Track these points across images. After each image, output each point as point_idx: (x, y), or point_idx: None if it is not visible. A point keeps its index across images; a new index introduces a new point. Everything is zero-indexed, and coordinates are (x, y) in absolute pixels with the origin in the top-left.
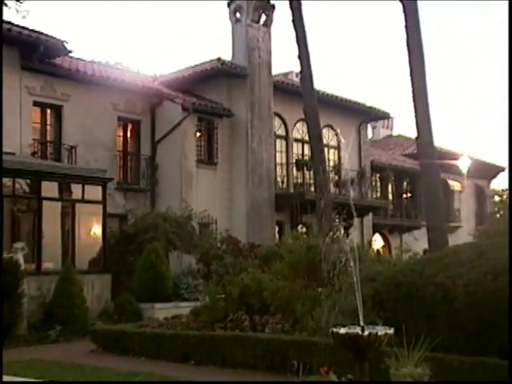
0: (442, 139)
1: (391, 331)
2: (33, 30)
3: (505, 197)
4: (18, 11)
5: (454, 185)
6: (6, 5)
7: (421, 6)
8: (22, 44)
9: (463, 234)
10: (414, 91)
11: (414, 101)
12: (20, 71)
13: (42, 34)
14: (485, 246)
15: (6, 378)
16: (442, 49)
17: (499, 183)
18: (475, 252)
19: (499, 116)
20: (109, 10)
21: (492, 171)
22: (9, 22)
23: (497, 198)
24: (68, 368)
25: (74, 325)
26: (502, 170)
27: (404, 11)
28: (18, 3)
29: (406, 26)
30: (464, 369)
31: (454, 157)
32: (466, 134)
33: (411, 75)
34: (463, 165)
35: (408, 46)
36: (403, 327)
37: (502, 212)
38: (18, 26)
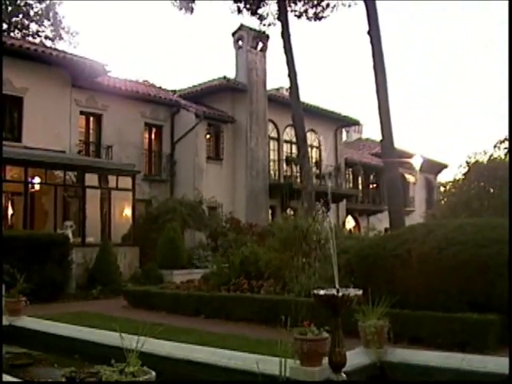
0: (402, 141)
1: (359, 292)
2: (81, 57)
3: (448, 187)
4: (71, 43)
5: (410, 178)
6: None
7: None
8: (73, 67)
9: (416, 216)
10: (379, 104)
11: (379, 112)
12: (70, 88)
13: (87, 59)
14: (432, 225)
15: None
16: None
17: (443, 176)
18: (425, 230)
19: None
20: (140, 39)
21: (438, 167)
22: (63, 51)
23: (442, 189)
24: (106, 319)
25: (111, 286)
26: (446, 166)
27: (371, 42)
28: (71, 37)
29: (373, 55)
30: (414, 320)
31: (410, 156)
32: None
33: (377, 92)
34: (416, 162)
35: (374, 69)
36: (369, 289)
37: (445, 199)
38: (70, 53)
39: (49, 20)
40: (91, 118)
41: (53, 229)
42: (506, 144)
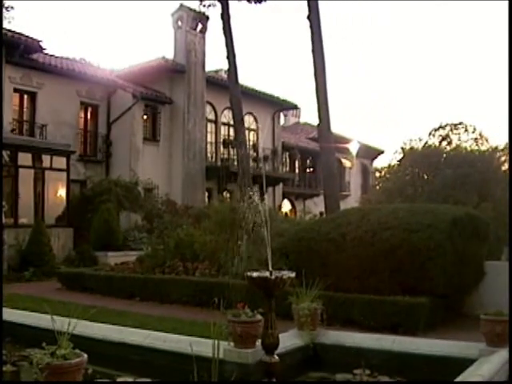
0: (339, 126)
1: (293, 275)
2: (16, 32)
3: (383, 173)
4: (5, 18)
5: (346, 162)
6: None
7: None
8: (7, 43)
9: (351, 201)
10: (317, 88)
11: (316, 96)
12: (4, 64)
13: (22, 35)
14: (367, 210)
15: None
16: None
17: (379, 162)
18: (360, 215)
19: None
20: (77, 16)
21: (374, 153)
22: None
23: (377, 174)
24: (39, 301)
25: (44, 268)
26: (382, 152)
27: (311, 27)
28: (5, 11)
29: (312, 39)
30: (347, 303)
31: (347, 141)
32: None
33: (315, 76)
34: (353, 148)
35: (313, 53)
36: (303, 272)
37: (380, 184)
38: (4, 28)
39: None
40: (25, 96)
41: None
42: (441, 132)
